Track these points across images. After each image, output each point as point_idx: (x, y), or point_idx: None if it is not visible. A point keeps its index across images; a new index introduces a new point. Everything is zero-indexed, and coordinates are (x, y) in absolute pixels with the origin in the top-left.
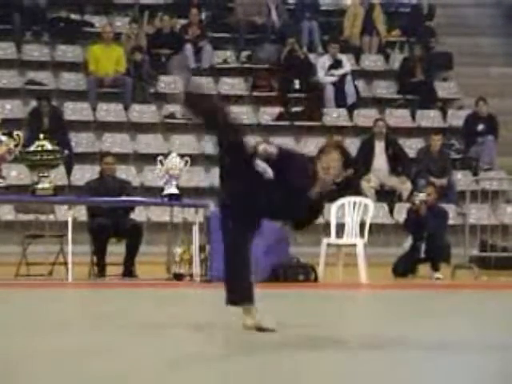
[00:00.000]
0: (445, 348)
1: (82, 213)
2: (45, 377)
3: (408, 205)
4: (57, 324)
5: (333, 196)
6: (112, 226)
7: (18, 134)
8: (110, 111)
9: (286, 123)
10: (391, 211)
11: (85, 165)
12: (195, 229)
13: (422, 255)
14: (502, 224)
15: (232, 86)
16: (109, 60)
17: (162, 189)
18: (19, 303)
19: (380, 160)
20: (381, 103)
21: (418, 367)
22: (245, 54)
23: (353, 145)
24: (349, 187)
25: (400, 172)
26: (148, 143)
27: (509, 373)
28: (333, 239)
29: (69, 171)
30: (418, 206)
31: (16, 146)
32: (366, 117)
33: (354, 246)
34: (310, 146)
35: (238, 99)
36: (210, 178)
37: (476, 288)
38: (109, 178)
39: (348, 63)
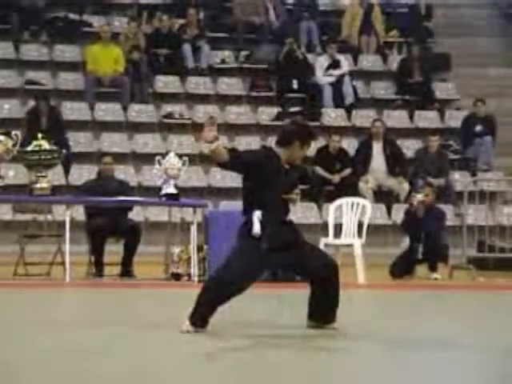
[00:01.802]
0: (443, 348)
1: (79, 212)
2: (45, 377)
3: (406, 205)
4: (55, 324)
5: (331, 196)
6: (110, 226)
7: (16, 134)
8: (108, 111)
9: (284, 123)
10: (389, 212)
11: (83, 164)
12: (193, 229)
13: (420, 256)
14: (500, 225)
15: (230, 85)
16: (107, 60)
17: (160, 189)
18: (17, 303)
19: (378, 161)
20: (379, 104)
21: (416, 367)
22: (243, 53)
23: (351, 145)
24: (347, 188)
25: (398, 173)
26: (146, 143)
27: (507, 373)
28: (331, 239)
29: (67, 171)
30: (416, 206)
31: (14, 145)
32: (364, 117)
33: (352, 246)
34: None
35: (236, 99)
36: (209, 177)
37: (473, 289)
38: (107, 178)
39: (346, 63)
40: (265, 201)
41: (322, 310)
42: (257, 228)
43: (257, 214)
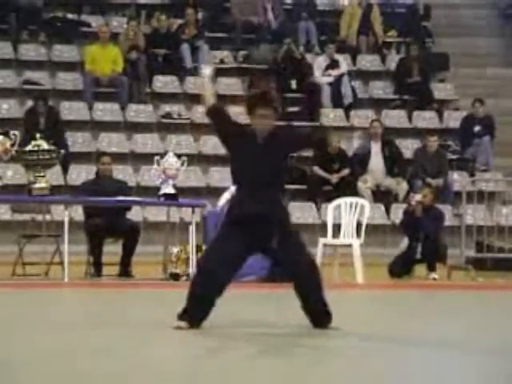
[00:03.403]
0: (442, 348)
1: (78, 212)
2: (44, 377)
3: (404, 205)
4: (54, 324)
5: (330, 196)
6: (109, 226)
7: (14, 134)
8: (106, 111)
9: (283, 123)
10: (387, 212)
11: (81, 164)
12: (192, 228)
13: (418, 256)
14: (498, 225)
15: (229, 85)
16: (105, 60)
17: (159, 188)
18: (16, 303)
19: (376, 161)
20: (377, 104)
21: (415, 367)
22: (242, 53)
23: (349, 145)
24: (345, 188)
25: (396, 173)
26: (144, 143)
27: (507, 374)
28: (329, 239)
29: (65, 171)
30: (415, 206)
31: (12, 145)
32: (362, 117)
33: (351, 246)
34: None
35: (234, 99)
36: (207, 177)
37: (472, 289)
38: (105, 179)
39: (344, 63)
40: (238, 175)
41: (312, 314)
42: (221, 202)
43: (231, 190)
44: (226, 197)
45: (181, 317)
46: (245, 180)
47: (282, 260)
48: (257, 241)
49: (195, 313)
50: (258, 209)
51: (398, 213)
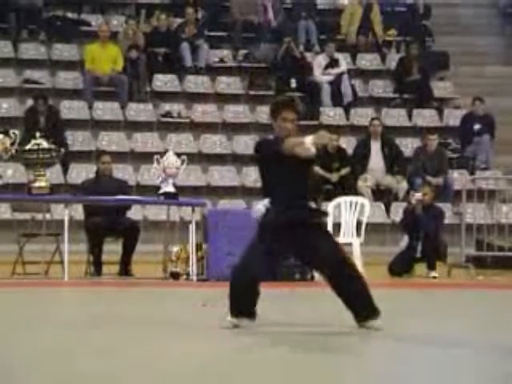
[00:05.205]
0: (442, 347)
1: (78, 211)
2: (43, 376)
3: (404, 204)
4: (54, 323)
5: (330, 195)
6: (109, 225)
7: (14, 133)
8: (106, 110)
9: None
10: (387, 210)
11: (81, 163)
12: (192, 227)
13: (419, 254)
14: (498, 223)
15: (228, 84)
16: (105, 59)
17: (159, 187)
18: (16, 302)
19: (376, 159)
20: (377, 102)
21: (416, 366)
22: (242, 52)
23: (349, 144)
24: (345, 186)
25: (396, 171)
26: (144, 142)
27: (507, 373)
28: None
29: (65, 170)
30: (415, 205)
31: (12, 144)
32: (362, 116)
33: (351, 245)
34: None
35: (234, 98)
36: (207, 176)
37: (472, 287)
38: (105, 178)
39: (344, 62)
40: (268, 188)
41: (352, 308)
42: (255, 214)
43: (264, 202)
44: (261, 209)
45: (231, 314)
46: (277, 191)
47: (312, 260)
48: (292, 244)
49: (241, 306)
50: (292, 214)
51: (398, 211)
